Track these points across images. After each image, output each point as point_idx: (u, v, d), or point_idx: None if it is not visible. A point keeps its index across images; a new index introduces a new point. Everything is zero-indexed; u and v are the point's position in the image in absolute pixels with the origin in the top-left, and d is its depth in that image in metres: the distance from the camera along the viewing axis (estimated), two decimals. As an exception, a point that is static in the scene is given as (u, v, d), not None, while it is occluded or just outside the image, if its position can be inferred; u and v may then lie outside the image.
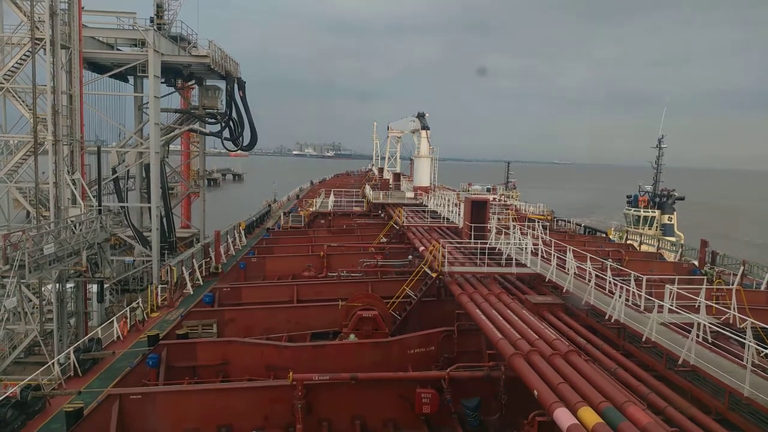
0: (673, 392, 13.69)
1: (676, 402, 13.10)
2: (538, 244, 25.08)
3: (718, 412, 13.16)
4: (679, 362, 14.32)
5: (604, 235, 51.39)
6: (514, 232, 26.31)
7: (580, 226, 61.43)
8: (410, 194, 56.30)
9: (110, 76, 41.66)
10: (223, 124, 49.13)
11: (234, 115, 49.85)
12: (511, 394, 16.33)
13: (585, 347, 16.25)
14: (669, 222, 71.98)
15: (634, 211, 72.24)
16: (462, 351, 20.12)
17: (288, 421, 17.00)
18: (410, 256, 31.49)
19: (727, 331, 15.02)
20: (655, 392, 13.40)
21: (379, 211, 52.35)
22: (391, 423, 17.76)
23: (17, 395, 17.35)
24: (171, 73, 46.94)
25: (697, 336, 14.48)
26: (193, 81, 49.48)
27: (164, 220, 46.72)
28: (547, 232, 33.16)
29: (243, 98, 50.41)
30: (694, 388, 14.07)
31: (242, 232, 49.31)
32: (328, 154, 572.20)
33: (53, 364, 20.30)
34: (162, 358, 19.98)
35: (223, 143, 51.23)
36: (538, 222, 38.61)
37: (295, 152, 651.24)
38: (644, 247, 50.18)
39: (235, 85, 49.37)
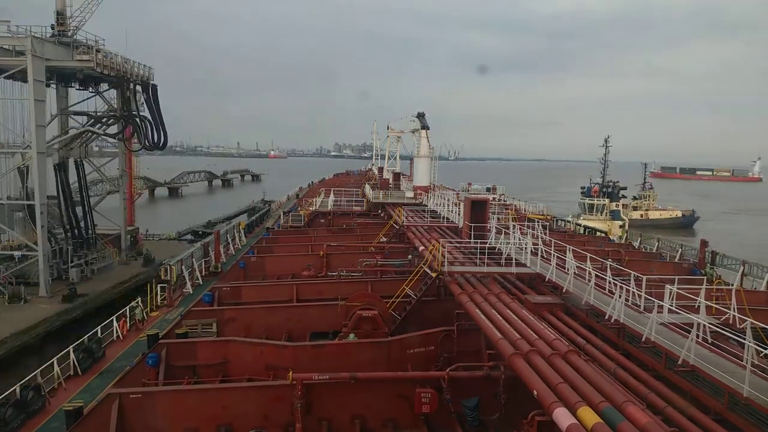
0: (672, 392, 13.70)
1: (676, 402, 13.11)
2: (537, 244, 25.09)
3: (717, 412, 13.17)
4: (679, 362, 14.33)
5: (603, 235, 51.41)
6: (513, 232, 26.32)
7: (580, 225, 61.63)
8: (410, 194, 56.34)
9: (7, 78, 42.89)
10: (123, 125, 50.82)
11: (147, 116, 52.07)
12: (511, 394, 16.34)
13: (584, 347, 16.25)
14: (616, 208, 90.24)
15: (588, 200, 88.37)
16: (461, 351, 20.12)
17: (288, 420, 17.01)
18: (410, 256, 31.49)
19: (726, 331, 15.03)
20: (654, 392, 13.41)
21: (379, 211, 52.39)
22: (390, 422, 17.77)
23: (17, 394, 17.41)
24: (67, 78, 48.84)
25: (697, 336, 14.49)
26: (108, 84, 51.17)
27: (74, 217, 49.40)
28: (547, 231, 33.17)
29: (150, 101, 52.46)
30: (694, 388, 14.08)
31: (242, 231, 49.41)
32: (365, 155, 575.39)
33: (53, 363, 20.33)
34: (162, 358, 20.00)
35: (142, 142, 52.63)
36: (538, 222, 38.62)
37: (333, 153, 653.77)
38: (594, 224, 64.33)
39: (136, 87, 51.38)
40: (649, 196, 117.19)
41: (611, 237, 47.73)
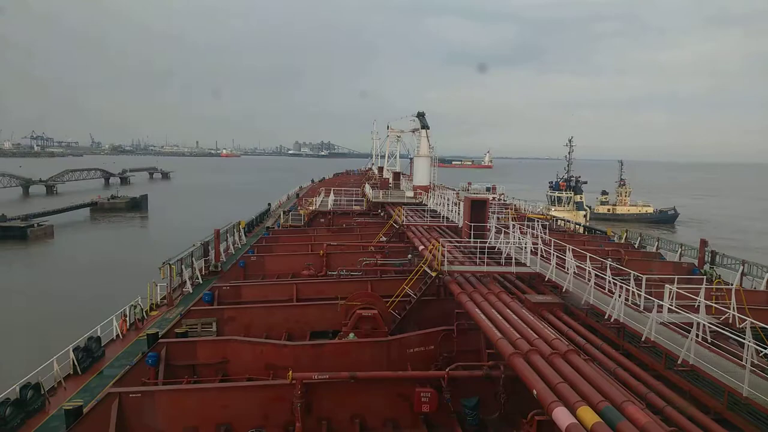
0: (672, 392, 13.71)
1: (675, 401, 13.12)
2: (537, 244, 25.10)
3: (716, 412, 13.18)
4: (679, 362, 14.34)
5: (604, 235, 51.45)
6: (513, 232, 26.32)
7: (580, 225, 61.73)
8: (410, 193, 56.36)
9: None
10: None
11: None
12: (511, 394, 16.33)
13: (584, 347, 16.26)
14: (580, 200, 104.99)
15: (557, 193, 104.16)
16: (461, 350, 20.11)
17: (287, 419, 17.00)
18: (410, 255, 31.49)
19: (726, 330, 15.03)
20: (654, 392, 13.41)
21: (379, 210, 52.41)
22: (390, 422, 17.75)
23: (17, 393, 17.40)
24: None
25: (697, 336, 14.50)
26: None
27: None
28: (547, 231, 33.18)
29: None
30: (693, 387, 14.10)
31: (242, 230, 49.41)
32: (322, 153, 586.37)
33: (52, 362, 20.33)
34: (161, 357, 19.99)
35: None
36: (538, 221, 38.63)
37: (290, 151, 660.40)
38: (561, 213, 77.25)
39: None
40: (621, 192, 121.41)
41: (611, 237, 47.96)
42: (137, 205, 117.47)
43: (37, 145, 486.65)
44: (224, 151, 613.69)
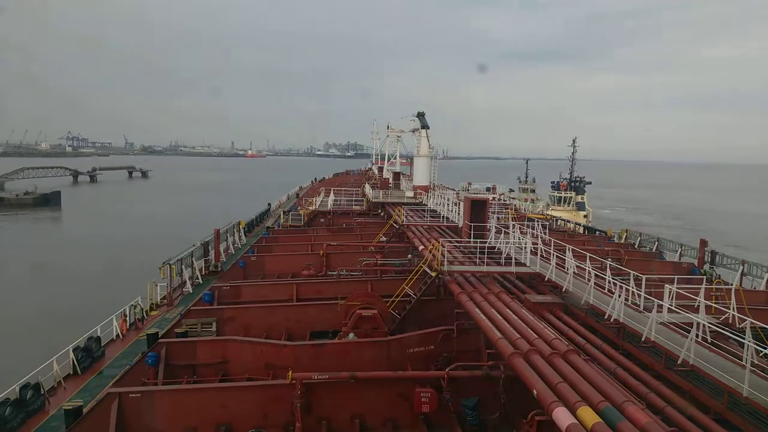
0: (672, 392, 13.70)
1: (675, 402, 13.12)
2: (537, 244, 25.10)
3: (716, 412, 13.18)
4: (679, 362, 14.34)
5: (604, 235, 51.50)
6: (513, 232, 26.33)
7: (580, 225, 61.80)
8: (410, 193, 56.40)
9: None
10: None
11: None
12: (510, 394, 16.33)
13: (584, 347, 16.26)
14: (581, 200, 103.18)
15: (557, 193, 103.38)
16: (461, 350, 20.11)
17: (287, 420, 17.00)
18: (410, 255, 31.49)
19: (726, 330, 15.03)
20: (654, 392, 13.41)
21: (379, 210, 52.42)
22: (390, 422, 17.75)
23: (16, 393, 17.39)
24: None
25: (697, 336, 14.50)
26: None
27: None
28: (547, 231, 33.19)
29: None
30: (693, 387, 14.09)
31: (242, 230, 49.42)
32: (348, 154, 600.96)
33: (52, 362, 20.33)
34: (161, 357, 19.99)
35: None
36: (538, 221, 38.65)
37: (319, 152, 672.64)
38: (562, 214, 79.04)
39: None
40: (522, 189, 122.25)
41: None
42: (47, 202, 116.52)
43: (69, 146, 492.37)
44: (249, 152, 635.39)
